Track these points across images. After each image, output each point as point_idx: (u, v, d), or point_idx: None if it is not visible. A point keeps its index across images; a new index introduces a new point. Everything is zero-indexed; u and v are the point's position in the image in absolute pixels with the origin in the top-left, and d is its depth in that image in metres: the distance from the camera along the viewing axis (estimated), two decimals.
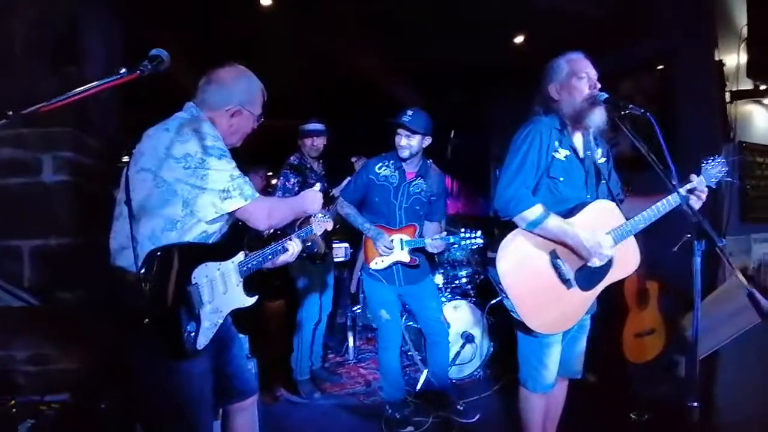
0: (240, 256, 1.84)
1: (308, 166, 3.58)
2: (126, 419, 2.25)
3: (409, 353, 3.86)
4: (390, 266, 2.96)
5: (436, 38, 3.97)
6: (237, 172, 1.68)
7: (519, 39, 3.99)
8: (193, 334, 1.63)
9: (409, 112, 2.85)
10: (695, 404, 1.57)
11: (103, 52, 2.82)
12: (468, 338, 3.66)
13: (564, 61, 2.08)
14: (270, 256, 1.91)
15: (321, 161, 3.68)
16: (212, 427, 1.89)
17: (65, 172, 2.48)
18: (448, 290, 3.99)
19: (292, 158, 3.58)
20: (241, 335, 2.11)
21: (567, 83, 2.05)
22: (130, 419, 2.23)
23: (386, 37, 3.97)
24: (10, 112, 1.01)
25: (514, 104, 3.11)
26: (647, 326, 2.98)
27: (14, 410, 2.14)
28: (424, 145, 2.93)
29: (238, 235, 1.85)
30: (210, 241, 1.74)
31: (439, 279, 4.02)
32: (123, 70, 1.20)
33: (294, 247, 1.98)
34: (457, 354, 3.61)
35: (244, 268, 1.84)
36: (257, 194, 1.73)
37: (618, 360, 2.97)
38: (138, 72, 1.23)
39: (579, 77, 2.03)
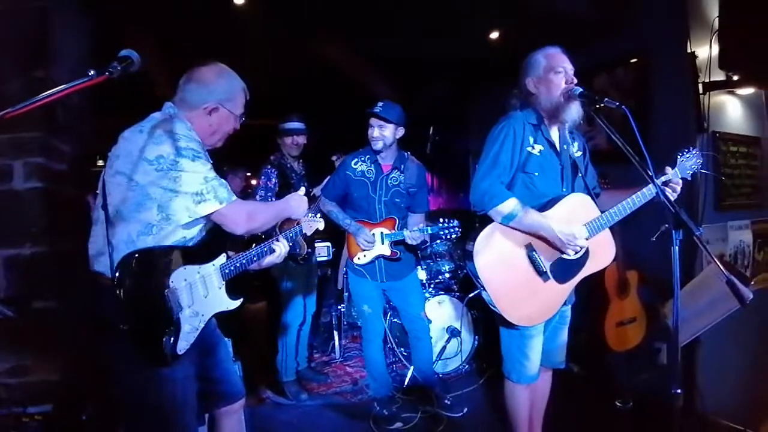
0: (222, 259, 1.80)
1: (288, 165, 3.55)
2: (109, 427, 2.21)
3: (396, 350, 3.86)
4: (373, 261, 2.96)
5: (415, 34, 3.96)
6: (212, 174, 1.64)
7: (495, 34, 4.00)
8: (172, 339, 1.61)
9: (380, 103, 2.86)
10: (678, 390, 1.60)
11: (73, 53, 2.74)
12: (453, 333, 3.68)
13: (541, 56, 2.10)
14: (255, 258, 1.86)
15: (301, 160, 3.65)
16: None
17: (37, 178, 2.41)
18: (432, 285, 4.01)
19: (272, 157, 3.54)
20: (225, 338, 2.08)
21: (544, 77, 2.07)
22: (113, 427, 2.19)
23: (365, 33, 3.95)
24: None
25: (492, 99, 3.12)
26: (628, 315, 3.03)
27: None
28: (397, 136, 2.93)
29: (219, 237, 1.80)
30: (190, 244, 1.71)
31: (422, 274, 4.03)
32: (92, 72, 1.16)
33: (281, 247, 1.93)
34: (443, 349, 3.63)
35: (227, 271, 1.79)
36: (234, 197, 1.69)
37: (601, 349, 3.01)
38: (107, 74, 1.19)
39: (556, 72, 2.05)
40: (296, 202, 1.96)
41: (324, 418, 3.24)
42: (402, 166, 2.98)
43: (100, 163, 1.65)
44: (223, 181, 1.68)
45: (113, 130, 1.67)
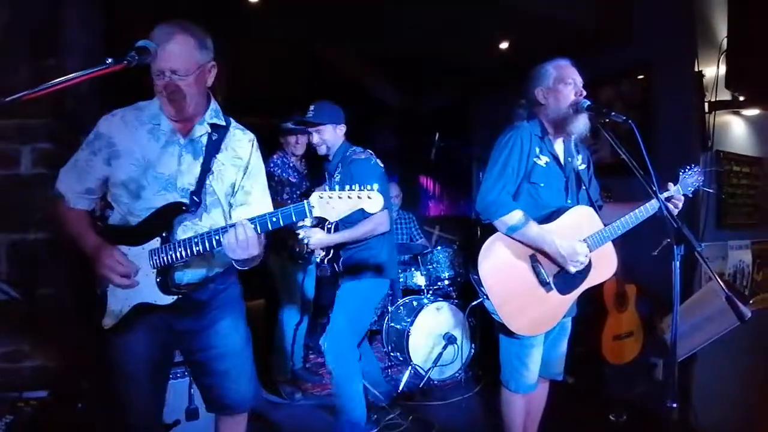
0: (154, 243, 1.62)
1: (291, 164, 3.56)
2: (104, 416, 2.21)
3: (392, 354, 3.86)
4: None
5: (421, 39, 3.99)
6: (77, 157, 1.74)
7: (504, 45, 4.02)
8: (97, 311, 1.65)
9: (312, 107, 2.74)
10: (674, 405, 1.60)
11: (83, 44, 2.76)
12: (450, 340, 3.68)
13: (552, 67, 2.12)
14: (192, 245, 1.57)
15: (303, 160, 3.66)
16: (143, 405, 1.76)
17: (43, 164, 2.42)
18: (431, 292, 4.01)
19: (274, 157, 3.55)
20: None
21: (554, 88, 2.09)
22: (108, 416, 2.19)
23: (370, 37, 3.98)
24: None
25: (497, 106, 3.13)
26: (626, 329, 3.03)
27: None
28: (339, 134, 2.78)
29: (159, 220, 1.63)
30: (133, 224, 1.66)
31: (421, 280, 4.04)
32: (109, 60, 1.18)
33: (230, 237, 1.52)
34: (439, 355, 3.62)
35: (156, 258, 1.61)
36: (57, 189, 1.76)
37: (597, 362, 3.01)
38: (125, 62, 1.21)
39: (566, 83, 2.07)
40: (99, 254, 1.59)
41: (317, 419, 3.23)
42: (339, 166, 2.73)
43: None
44: (71, 171, 1.77)
45: None
